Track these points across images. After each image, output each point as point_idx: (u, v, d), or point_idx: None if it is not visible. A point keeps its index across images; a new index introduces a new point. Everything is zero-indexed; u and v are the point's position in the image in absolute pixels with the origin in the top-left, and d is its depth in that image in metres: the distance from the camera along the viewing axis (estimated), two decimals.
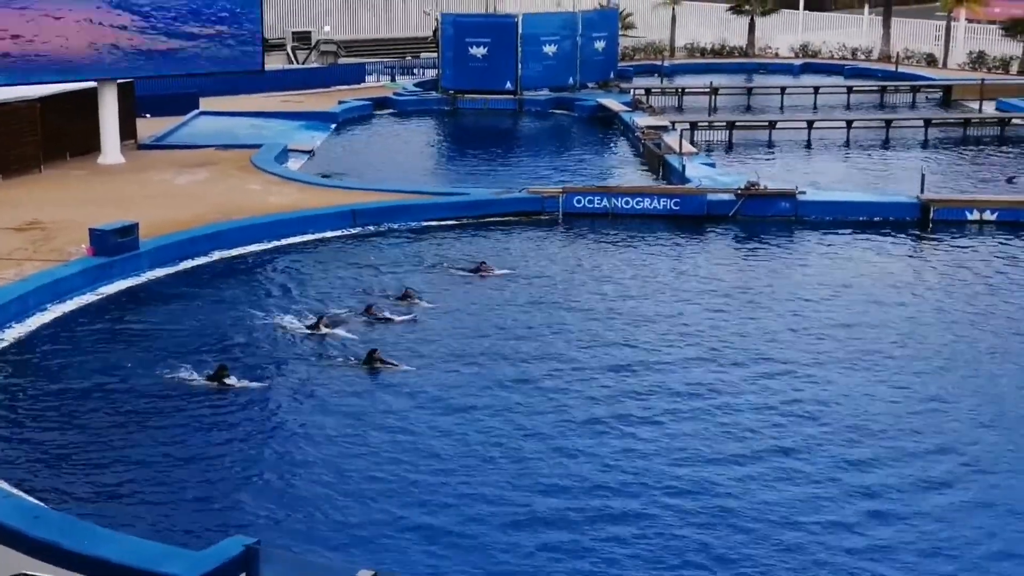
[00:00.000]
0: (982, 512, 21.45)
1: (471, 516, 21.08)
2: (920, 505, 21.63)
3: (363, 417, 25.31)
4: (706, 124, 63.58)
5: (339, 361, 28.29)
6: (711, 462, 23.24)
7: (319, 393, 26.61)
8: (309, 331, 30.01)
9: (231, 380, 26.72)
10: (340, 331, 30.15)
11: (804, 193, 44.37)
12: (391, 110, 70.71)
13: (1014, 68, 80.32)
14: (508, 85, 71.91)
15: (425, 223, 42.57)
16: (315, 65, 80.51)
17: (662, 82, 78.67)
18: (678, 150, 51.58)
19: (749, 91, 76.14)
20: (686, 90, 73.86)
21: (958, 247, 40.41)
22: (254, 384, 26.81)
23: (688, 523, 20.86)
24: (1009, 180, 50.36)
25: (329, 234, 40.79)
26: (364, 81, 76.58)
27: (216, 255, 37.81)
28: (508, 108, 71.27)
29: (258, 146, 53.12)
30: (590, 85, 74.45)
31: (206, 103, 62.88)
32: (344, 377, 27.40)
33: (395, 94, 73.10)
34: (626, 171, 54.07)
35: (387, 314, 31.44)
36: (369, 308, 31.69)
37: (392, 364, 27.92)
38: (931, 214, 43.15)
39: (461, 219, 43.23)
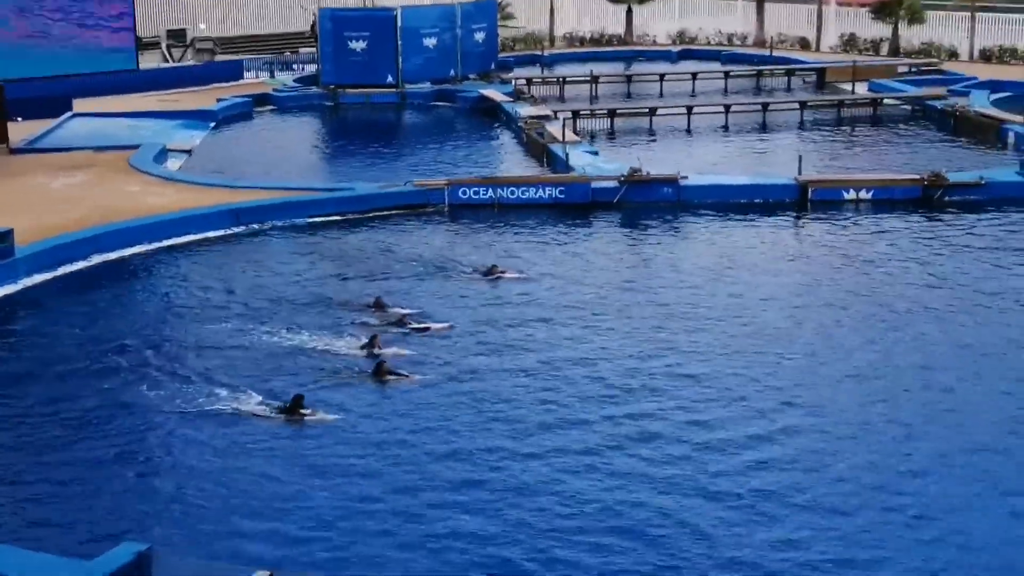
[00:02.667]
0: (854, 477, 22.05)
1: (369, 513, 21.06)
2: (790, 469, 22.14)
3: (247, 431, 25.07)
4: (588, 112, 64.08)
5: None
6: (588, 431, 23.50)
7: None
8: (364, 351, 28.24)
9: (307, 411, 24.84)
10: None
11: (686, 178, 45.00)
12: (271, 107, 69.84)
13: (884, 50, 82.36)
14: (389, 79, 71.55)
15: (310, 219, 42.22)
16: (191, 63, 79.08)
17: (543, 72, 79.04)
18: (561, 139, 51.88)
19: (629, 79, 76.86)
20: (567, 79, 74.36)
21: (836, 226, 41.36)
22: (329, 416, 24.87)
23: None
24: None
25: (212, 234, 40.21)
26: (242, 78, 75.50)
27: (96, 259, 37.01)
28: (390, 102, 70.92)
29: (136, 147, 52.09)
30: (471, 77, 74.47)
31: (79, 105, 61.31)
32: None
33: (275, 90, 72.23)
34: (510, 161, 54.24)
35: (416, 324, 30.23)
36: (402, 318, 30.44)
37: (402, 375, 26.87)
38: (809, 195, 44.12)
39: (346, 214, 42.97)
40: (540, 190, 44.79)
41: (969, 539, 19.91)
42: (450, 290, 33.54)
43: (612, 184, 44.84)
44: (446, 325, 30.28)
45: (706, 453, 23.07)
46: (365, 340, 28.43)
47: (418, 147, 58.77)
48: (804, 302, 32.74)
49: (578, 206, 43.97)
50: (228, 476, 22.48)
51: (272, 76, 77.07)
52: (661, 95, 71.50)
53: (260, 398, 25.64)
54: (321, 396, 25.63)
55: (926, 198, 43.85)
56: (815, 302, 32.74)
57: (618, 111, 64.41)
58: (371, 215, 42.97)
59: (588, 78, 71.77)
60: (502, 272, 34.45)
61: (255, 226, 41.27)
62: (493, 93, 68.72)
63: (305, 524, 20.56)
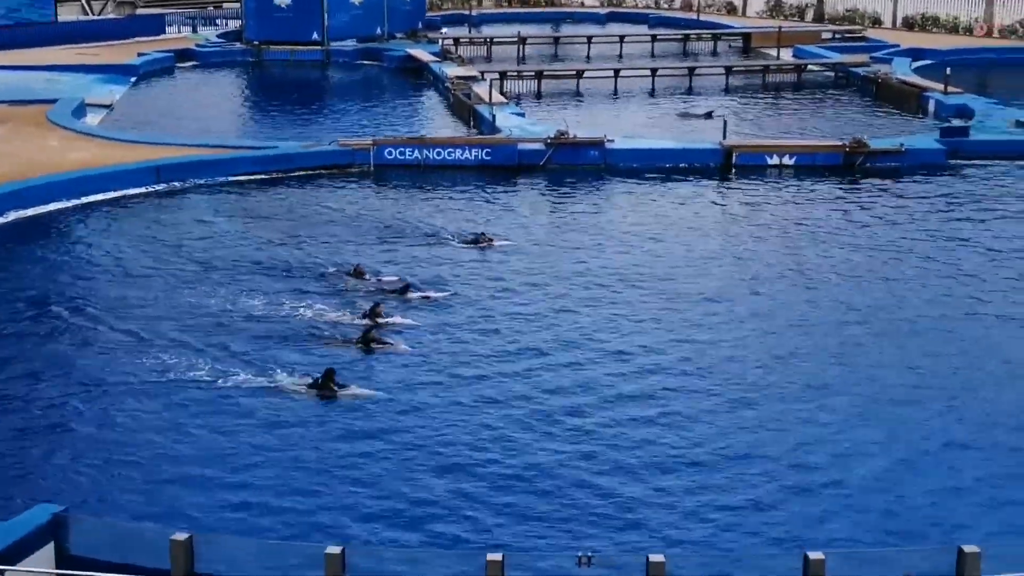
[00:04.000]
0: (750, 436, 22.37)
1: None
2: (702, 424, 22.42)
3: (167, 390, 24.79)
4: (515, 74, 63.92)
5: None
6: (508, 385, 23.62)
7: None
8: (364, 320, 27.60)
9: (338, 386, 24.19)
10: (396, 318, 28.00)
11: (612, 141, 45.08)
12: (194, 62, 68.83)
13: (809, 16, 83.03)
14: (315, 36, 70.78)
15: (233, 178, 41.72)
16: (111, 16, 77.66)
17: (470, 32, 78.68)
18: (488, 100, 51.73)
19: (556, 40, 76.77)
20: (495, 40, 74.09)
21: (759, 191, 41.71)
22: (365, 391, 24.21)
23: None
24: (707, 116, 52.73)
25: (133, 191, 39.63)
26: (164, 32, 74.35)
27: (13, 215, 36.34)
28: (315, 59, 70.20)
29: (54, 101, 51.05)
30: (398, 35, 73.91)
31: None
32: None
33: (197, 46, 71.16)
34: (437, 122, 53.98)
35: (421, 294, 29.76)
36: (407, 286, 29.93)
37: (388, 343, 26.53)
38: (733, 159, 44.44)
39: (270, 173, 42.52)
40: (467, 151, 44.62)
41: (866, 486, 20.31)
42: (405, 255, 33.50)
43: (539, 146, 44.78)
44: (447, 293, 29.94)
45: (625, 404, 23.30)
46: (367, 309, 27.78)
47: (343, 106, 58.28)
48: (726, 264, 33.00)
49: (505, 168, 43.91)
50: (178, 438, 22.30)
51: (195, 31, 75.95)
52: (588, 58, 71.51)
53: (236, 369, 24.95)
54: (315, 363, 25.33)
55: (848, 164, 44.34)
56: (736, 264, 33.02)
57: (545, 73, 64.31)
58: (295, 174, 42.56)
59: (516, 39, 71.56)
60: (490, 240, 33.91)
61: (176, 184, 40.73)
62: (420, 53, 68.28)
63: (237, 487, 20.48)
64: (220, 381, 24.50)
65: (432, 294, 29.78)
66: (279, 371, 24.88)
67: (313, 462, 21.29)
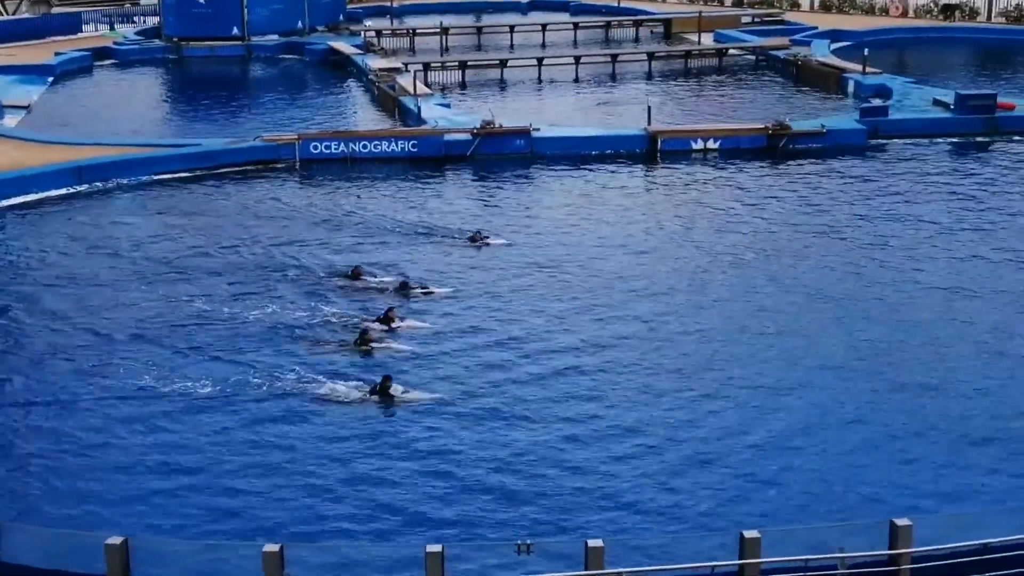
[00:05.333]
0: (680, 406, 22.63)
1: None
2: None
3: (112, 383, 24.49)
4: (439, 65, 63.76)
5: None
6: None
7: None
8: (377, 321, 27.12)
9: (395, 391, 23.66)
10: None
11: (538, 130, 45.17)
12: (113, 60, 67.82)
13: (729, 0, 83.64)
14: (235, 31, 70.06)
15: (157, 176, 41.24)
16: (26, 15, 76.25)
17: (392, 23, 78.28)
18: (413, 92, 51.59)
19: (479, 30, 76.67)
20: (417, 31, 73.84)
21: (685, 175, 42.03)
22: (426, 395, 23.72)
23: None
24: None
25: (54, 192, 39.04)
26: (81, 31, 73.14)
27: None
28: (236, 55, 69.50)
29: None
30: (320, 28, 73.36)
31: None
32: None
33: (115, 44, 70.10)
34: (362, 115, 53.77)
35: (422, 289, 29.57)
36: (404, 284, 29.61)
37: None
38: (659, 145, 44.72)
39: (194, 171, 42.06)
40: (393, 144, 44.48)
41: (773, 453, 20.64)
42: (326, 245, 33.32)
43: (465, 137, 44.76)
44: (449, 290, 29.66)
45: (557, 379, 23.45)
46: (381, 315, 27.13)
47: (266, 101, 57.75)
48: (653, 248, 33.26)
49: (431, 159, 43.84)
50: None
51: (112, 29, 74.81)
52: (512, 47, 71.50)
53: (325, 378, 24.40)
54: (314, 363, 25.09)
55: (771, 147, 44.85)
56: (663, 248, 33.28)
57: (469, 63, 64.24)
58: (219, 171, 42.14)
59: (438, 30, 71.33)
60: (485, 239, 33.46)
61: (99, 184, 40.19)
62: (342, 45, 67.87)
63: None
64: (264, 388, 24.09)
65: (434, 289, 29.50)
66: (295, 377, 24.43)
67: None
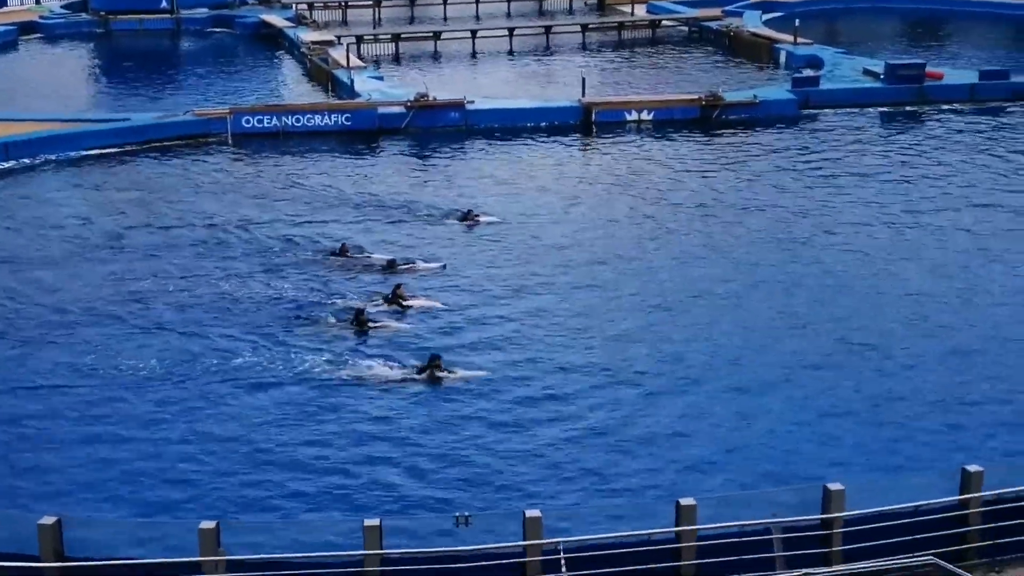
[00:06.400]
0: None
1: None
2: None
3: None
4: (372, 37, 63.33)
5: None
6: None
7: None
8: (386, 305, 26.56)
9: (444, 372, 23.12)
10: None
11: (473, 102, 45.04)
12: (38, 35, 66.66)
13: None
14: (163, 4, 69.09)
15: (86, 152, 40.62)
16: None
17: None
18: (346, 65, 51.21)
19: (412, 2, 76.20)
20: (349, 3, 73.21)
21: (619, 146, 42.16)
22: (471, 373, 23.31)
23: None
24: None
25: None
26: (6, 5, 71.76)
27: None
28: (165, 28, 68.56)
29: None
30: (250, 1, 72.51)
31: None
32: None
33: (41, 18, 68.90)
34: (295, 89, 53.28)
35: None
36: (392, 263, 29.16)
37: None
38: (593, 117, 44.78)
39: (124, 146, 41.46)
40: (326, 117, 44.13)
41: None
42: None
43: (399, 110, 44.53)
44: (438, 265, 29.39)
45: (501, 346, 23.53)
46: (389, 295, 26.67)
47: (197, 75, 57.02)
48: (588, 218, 33.37)
49: (365, 132, 43.59)
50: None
51: (38, 3, 73.49)
52: (445, 19, 71.16)
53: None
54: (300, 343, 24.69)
55: (704, 117, 45.08)
56: (598, 218, 33.41)
57: (403, 36, 63.87)
58: (150, 146, 41.59)
59: (371, 2, 70.80)
60: (477, 217, 32.98)
61: (26, 161, 39.52)
62: (274, 18, 67.16)
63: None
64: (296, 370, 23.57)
65: (422, 265, 29.25)
66: (316, 359, 23.94)
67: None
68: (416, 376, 23.04)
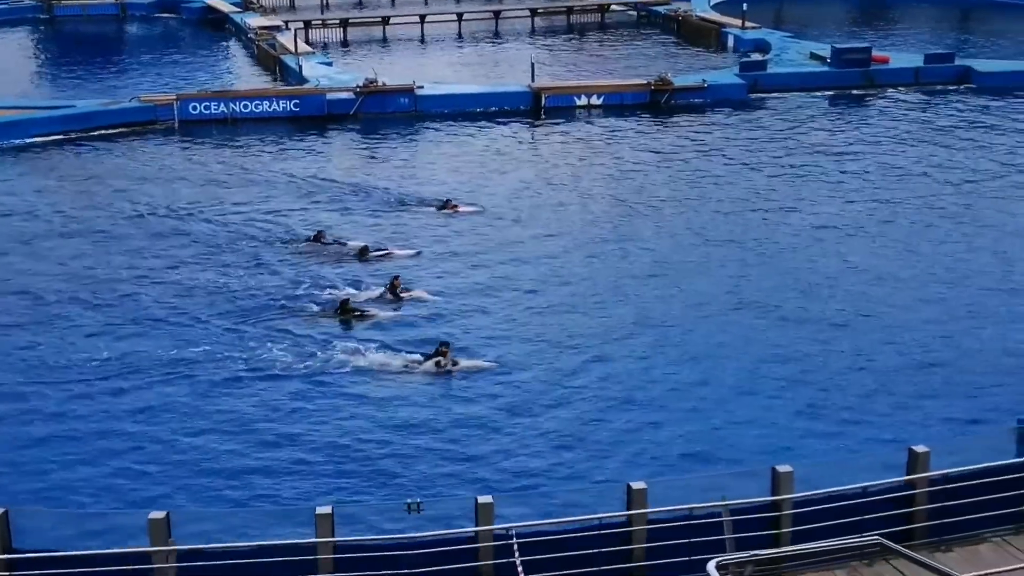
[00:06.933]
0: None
1: None
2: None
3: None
4: (320, 22, 62.96)
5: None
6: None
7: None
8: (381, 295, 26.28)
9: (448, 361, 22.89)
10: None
11: (422, 88, 44.90)
12: None
13: None
14: None
15: (30, 140, 40.10)
16: None
17: None
18: (294, 50, 50.86)
19: None
20: None
21: (569, 131, 42.22)
22: (484, 363, 23.13)
23: None
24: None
25: None
26: None
27: None
28: (110, 14, 67.74)
29: None
30: None
31: None
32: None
33: None
34: (242, 74, 52.82)
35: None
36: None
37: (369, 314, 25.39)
38: (543, 102, 44.78)
39: (69, 133, 40.97)
40: (274, 103, 43.82)
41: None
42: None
43: (348, 96, 44.31)
44: (412, 251, 29.26)
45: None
46: (387, 286, 26.32)
47: (143, 62, 56.39)
48: (540, 203, 33.43)
49: (314, 118, 43.33)
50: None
51: None
52: (393, 4, 70.80)
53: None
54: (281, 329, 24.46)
55: (654, 102, 45.20)
56: (549, 202, 33.51)
57: (351, 20, 63.53)
58: (95, 134, 41.12)
59: None
60: (455, 206, 32.72)
61: None
62: (220, 3, 66.49)
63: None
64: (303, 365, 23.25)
65: (395, 252, 29.10)
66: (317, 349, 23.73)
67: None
68: (420, 364, 22.82)
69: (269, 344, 23.87)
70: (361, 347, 23.65)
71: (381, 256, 28.80)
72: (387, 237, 30.48)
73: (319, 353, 23.47)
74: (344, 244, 29.52)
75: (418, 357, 23.12)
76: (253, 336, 24.36)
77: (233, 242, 30.11)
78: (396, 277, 26.60)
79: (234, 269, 28.14)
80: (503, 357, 23.40)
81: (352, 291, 26.38)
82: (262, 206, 33.16)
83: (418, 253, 29.16)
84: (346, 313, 25.15)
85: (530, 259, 29.12)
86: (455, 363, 22.83)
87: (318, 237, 29.77)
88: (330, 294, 26.34)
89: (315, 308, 25.70)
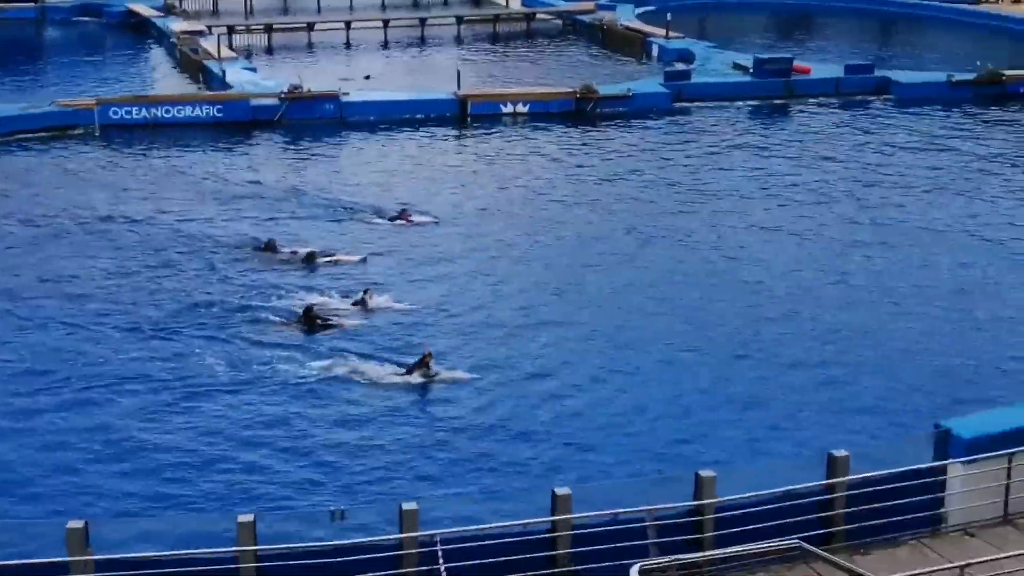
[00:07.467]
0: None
1: None
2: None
3: None
4: (244, 28, 62.46)
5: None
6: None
7: None
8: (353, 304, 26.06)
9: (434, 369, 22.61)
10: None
11: (347, 94, 44.71)
12: None
13: None
14: None
15: None
16: None
17: None
18: (217, 55, 50.41)
19: None
20: None
21: (495, 138, 42.29)
22: (464, 374, 22.84)
23: None
24: (366, 78, 51.15)
25: None
26: None
27: None
28: (28, 17, 66.65)
29: None
30: None
31: None
32: None
33: None
34: (165, 79, 52.25)
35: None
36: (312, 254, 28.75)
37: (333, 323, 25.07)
38: (469, 109, 44.80)
39: None
40: (197, 108, 43.37)
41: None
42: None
43: (273, 102, 43.97)
44: (358, 257, 29.03)
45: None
46: (359, 295, 26.05)
47: (62, 66, 55.50)
48: (465, 209, 33.45)
49: (238, 124, 42.95)
50: None
51: None
52: (319, 9, 70.42)
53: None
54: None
55: (579, 110, 45.41)
56: (474, 209, 33.55)
57: (275, 26, 63.12)
58: (13, 138, 40.36)
59: None
60: (409, 217, 32.25)
61: None
62: (141, 7, 65.72)
63: None
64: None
65: (342, 257, 28.94)
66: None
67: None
68: (407, 373, 22.60)
69: (229, 353, 23.75)
70: (332, 356, 23.53)
71: (328, 261, 28.69)
72: (334, 245, 30.24)
73: (283, 364, 23.29)
74: (296, 252, 29.31)
75: (394, 367, 22.92)
76: (201, 345, 24.21)
77: (166, 249, 29.87)
78: (367, 290, 26.29)
79: (176, 277, 27.89)
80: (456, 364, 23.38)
81: (320, 299, 26.18)
82: (193, 213, 32.87)
83: (364, 259, 29.08)
84: (311, 322, 24.86)
85: (457, 271, 29.10)
86: (436, 373, 22.59)
87: (270, 245, 29.56)
88: (290, 303, 26.06)
89: (276, 318, 25.40)
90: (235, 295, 26.70)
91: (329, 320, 25.07)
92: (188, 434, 20.68)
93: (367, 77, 50.00)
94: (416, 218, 32.44)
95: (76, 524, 13.69)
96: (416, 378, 22.50)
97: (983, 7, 71.07)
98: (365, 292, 26.22)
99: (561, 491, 14.37)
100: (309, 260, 28.68)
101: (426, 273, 28.71)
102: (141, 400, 21.82)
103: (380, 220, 32.40)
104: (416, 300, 26.69)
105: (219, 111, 43.27)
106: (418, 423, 21.25)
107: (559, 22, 67.88)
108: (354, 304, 26.05)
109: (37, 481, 19.14)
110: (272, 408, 21.61)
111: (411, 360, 23.03)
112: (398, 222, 32.16)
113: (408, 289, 27.45)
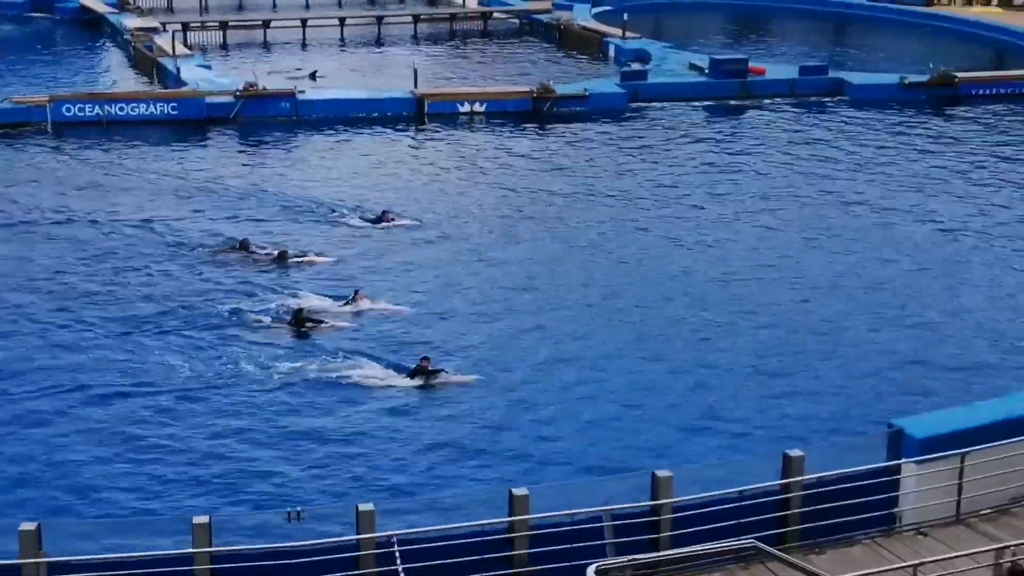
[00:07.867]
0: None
1: None
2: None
3: None
4: (198, 24, 62.03)
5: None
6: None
7: None
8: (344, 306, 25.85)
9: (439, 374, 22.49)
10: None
11: (303, 92, 44.53)
12: None
13: None
14: None
15: None
16: None
17: None
18: (172, 53, 50.05)
19: None
20: None
21: (452, 137, 42.25)
22: (468, 377, 22.73)
23: None
24: (311, 76, 50.74)
25: None
26: None
27: None
28: None
29: None
30: None
31: None
32: None
33: None
34: (119, 76, 51.80)
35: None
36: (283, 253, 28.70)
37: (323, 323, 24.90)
38: (426, 108, 44.72)
39: None
40: (151, 106, 43.03)
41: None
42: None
43: (228, 99, 43.70)
44: (330, 259, 28.89)
45: None
46: (349, 297, 25.91)
47: (14, 62, 54.84)
48: (423, 208, 33.40)
49: (193, 122, 42.66)
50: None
51: None
52: (275, 7, 70.09)
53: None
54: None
55: (536, 110, 45.44)
56: (433, 207, 33.51)
57: (231, 23, 62.72)
58: None
59: None
60: (392, 219, 31.95)
61: None
62: (95, 3, 65.10)
63: None
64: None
65: (313, 258, 28.85)
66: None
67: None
68: (408, 378, 22.49)
69: (212, 354, 23.62)
70: (325, 357, 23.43)
71: (300, 261, 28.63)
72: (305, 245, 30.11)
73: (274, 364, 23.16)
74: (271, 252, 29.17)
75: (383, 368, 22.88)
76: (185, 347, 24.07)
77: (125, 249, 29.66)
78: (357, 291, 26.19)
79: (137, 275, 27.77)
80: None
81: (311, 301, 26.06)
82: (151, 211, 32.59)
83: (337, 261, 29.00)
84: (300, 324, 24.69)
85: (417, 265, 29.10)
86: (436, 377, 22.50)
87: (244, 245, 29.38)
88: (268, 303, 25.92)
89: (265, 320, 25.25)
90: (209, 295, 26.59)
91: (320, 321, 24.97)
92: (164, 437, 20.55)
93: (313, 75, 49.54)
94: (398, 220, 32.23)
95: (29, 526, 13.54)
96: (412, 381, 22.43)
97: (935, 9, 71.78)
98: (356, 293, 26.16)
99: (519, 492, 14.37)
100: (281, 259, 28.58)
101: (415, 275, 28.63)
102: (130, 403, 21.76)
103: (359, 222, 32.11)
104: (405, 301, 26.59)
105: (174, 108, 42.95)
106: (409, 426, 21.21)
107: (516, 21, 67.92)
108: (344, 305, 25.96)
109: None
110: (258, 410, 21.51)
111: (402, 360, 23.04)
112: (381, 224, 31.94)
113: (398, 291, 27.32)
